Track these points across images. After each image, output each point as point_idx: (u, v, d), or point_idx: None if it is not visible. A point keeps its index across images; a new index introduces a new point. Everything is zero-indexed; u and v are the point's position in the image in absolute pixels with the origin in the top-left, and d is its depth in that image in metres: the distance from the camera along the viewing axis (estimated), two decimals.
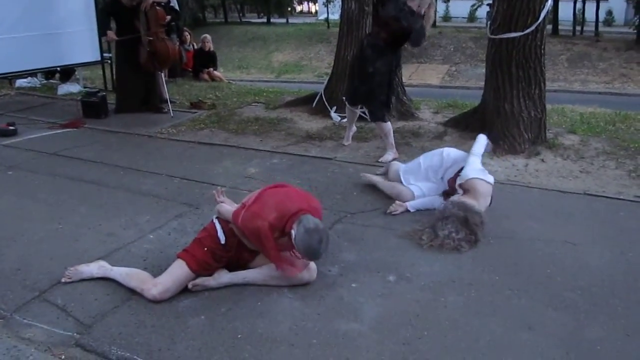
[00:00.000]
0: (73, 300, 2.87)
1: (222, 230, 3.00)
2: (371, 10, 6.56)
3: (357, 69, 5.22)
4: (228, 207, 3.09)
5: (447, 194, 3.98)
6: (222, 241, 2.98)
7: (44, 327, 2.65)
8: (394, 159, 5.11)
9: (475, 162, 3.84)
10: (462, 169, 3.85)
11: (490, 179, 3.78)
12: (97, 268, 3.11)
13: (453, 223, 3.46)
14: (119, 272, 3.06)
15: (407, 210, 3.97)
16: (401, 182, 4.23)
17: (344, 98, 5.56)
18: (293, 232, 2.74)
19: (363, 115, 5.48)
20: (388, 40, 4.98)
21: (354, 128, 5.78)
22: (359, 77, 5.20)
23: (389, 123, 5.29)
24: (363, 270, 3.19)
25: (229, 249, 3.00)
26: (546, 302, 2.87)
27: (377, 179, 4.46)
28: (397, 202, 4.02)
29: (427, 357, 2.44)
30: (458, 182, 3.79)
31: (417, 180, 4.20)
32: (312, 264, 3.03)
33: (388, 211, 3.97)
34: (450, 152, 4.18)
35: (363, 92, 5.19)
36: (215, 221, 3.07)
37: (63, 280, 3.04)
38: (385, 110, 5.24)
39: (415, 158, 4.41)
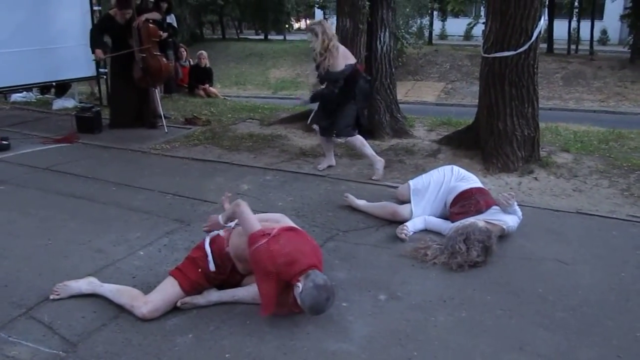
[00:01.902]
0: (60, 317, 2.84)
1: (212, 257, 2.96)
2: (365, 29, 6.59)
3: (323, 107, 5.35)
4: (252, 215, 2.95)
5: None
6: (212, 269, 2.95)
7: (30, 345, 2.62)
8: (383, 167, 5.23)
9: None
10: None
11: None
12: (86, 284, 3.08)
13: (475, 247, 3.40)
14: (109, 289, 3.02)
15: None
16: (409, 200, 4.19)
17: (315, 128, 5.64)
18: (300, 285, 2.66)
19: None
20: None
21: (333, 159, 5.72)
22: (326, 114, 5.34)
23: (357, 136, 5.29)
24: (354, 289, 3.17)
25: (222, 273, 2.98)
26: (537, 322, 2.85)
27: (361, 203, 4.38)
28: (400, 226, 3.92)
29: None
30: (500, 224, 3.75)
31: (423, 199, 4.15)
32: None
33: (400, 236, 3.84)
34: (460, 169, 4.21)
35: (327, 125, 5.37)
36: (207, 246, 3.00)
37: (51, 297, 3.01)
38: (350, 126, 5.25)
39: (425, 174, 4.38)
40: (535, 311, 2.95)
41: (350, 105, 5.19)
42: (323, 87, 5.23)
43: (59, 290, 3.04)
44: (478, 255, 3.40)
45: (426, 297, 3.09)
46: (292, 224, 3.15)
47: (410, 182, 4.29)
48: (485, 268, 3.42)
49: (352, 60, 5.19)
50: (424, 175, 4.33)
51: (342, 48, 5.17)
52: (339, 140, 5.53)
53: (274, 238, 2.75)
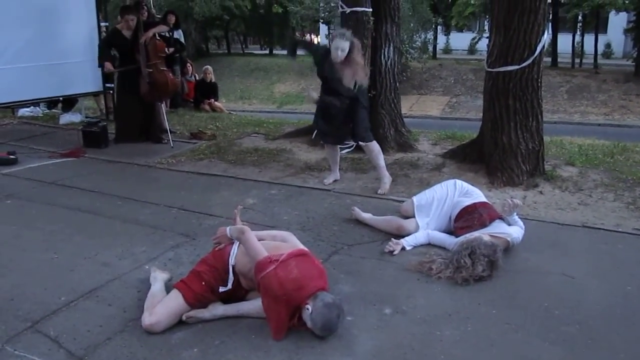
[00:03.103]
0: (65, 331, 2.85)
1: (232, 275, 2.99)
2: (370, 44, 6.63)
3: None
4: (257, 242, 2.98)
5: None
6: (230, 286, 2.98)
7: (35, 359, 2.62)
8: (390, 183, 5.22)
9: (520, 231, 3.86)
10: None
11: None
12: (157, 275, 3.29)
13: (480, 261, 3.40)
14: (153, 289, 3.13)
15: (404, 249, 3.89)
16: (414, 216, 4.19)
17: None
18: (309, 307, 2.70)
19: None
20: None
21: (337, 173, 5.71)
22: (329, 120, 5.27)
23: (375, 142, 5.28)
24: (359, 303, 3.17)
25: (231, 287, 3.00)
26: (543, 336, 2.84)
27: (368, 216, 4.39)
28: (393, 240, 3.93)
29: None
30: (504, 237, 3.76)
31: (427, 215, 4.16)
32: None
33: (386, 250, 3.86)
34: (463, 184, 4.22)
35: (328, 131, 5.32)
36: (231, 261, 3.02)
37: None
38: (369, 129, 5.25)
39: (429, 189, 4.39)
40: (541, 325, 2.94)
41: (362, 110, 5.16)
42: (332, 98, 5.07)
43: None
44: (483, 269, 3.40)
45: (431, 311, 3.08)
46: (299, 243, 3.18)
47: (414, 199, 4.29)
48: (491, 282, 3.41)
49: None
50: (427, 191, 4.33)
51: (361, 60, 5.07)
52: (361, 143, 5.32)
53: (282, 264, 2.78)
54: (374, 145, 5.30)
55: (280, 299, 2.71)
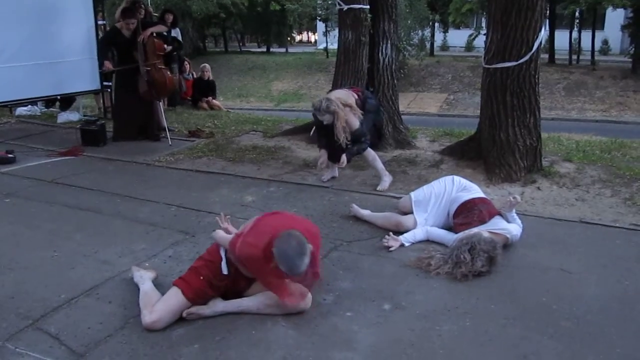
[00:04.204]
0: (66, 328, 2.87)
1: (225, 261, 3.00)
2: (367, 41, 6.65)
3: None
4: (225, 234, 3.09)
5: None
6: (225, 272, 2.98)
7: (37, 356, 2.64)
8: (390, 183, 5.25)
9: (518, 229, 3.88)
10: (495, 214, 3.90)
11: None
12: (139, 275, 3.26)
13: (480, 257, 3.42)
14: (144, 288, 3.11)
15: (402, 245, 3.90)
16: (412, 211, 4.20)
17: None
18: (274, 250, 2.68)
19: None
20: None
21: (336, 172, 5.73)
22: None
23: (368, 150, 5.30)
24: (358, 299, 3.18)
25: (226, 277, 3.00)
26: (542, 331, 2.86)
27: (366, 213, 4.41)
28: (391, 234, 3.95)
29: None
30: (504, 234, 3.78)
31: (425, 211, 4.17)
32: (307, 292, 3.02)
33: (384, 245, 3.88)
34: (461, 180, 4.24)
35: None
36: (222, 251, 3.05)
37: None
38: (360, 143, 5.24)
39: (427, 185, 4.41)
40: (540, 320, 2.96)
41: (367, 116, 5.25)
42: (353, 146, 5.15)
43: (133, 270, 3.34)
44: (483, 265, 3.41)
45: (430, 307, 3.10)
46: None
47: (412, 194, 4.31)
48: (489, 277, 3.43)
49: (351, 98, 5.19)
50: (425, 187, 4.35)
51: (346, 108, 5.08)
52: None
53: (249, 231, 2.85)
54: (368, 154, 5.33)
55: (260, 257, 2.72)
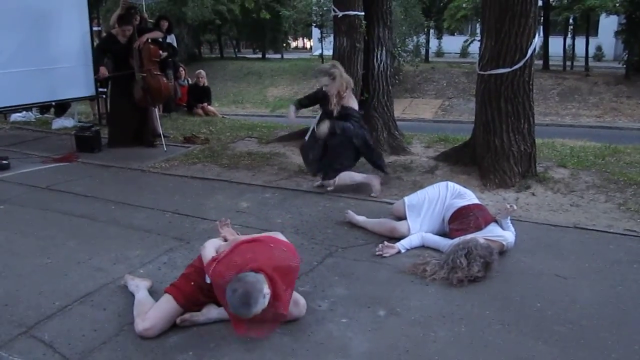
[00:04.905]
0: (60, 336, 2.85)
1: None
2: (362, 47, 6.67)
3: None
4: (209, 251, 3.04)
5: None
6: (207, 280, 2.96)
7: None
8: (380, 183, 5.26)
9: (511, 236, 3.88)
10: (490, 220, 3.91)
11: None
12: (135, 284, 3.25)
13: (476, 262, 3.41)
14: (138, 297, 3.10)
15: (399, 252, 3.88)
16: (405, 216, 4.20)
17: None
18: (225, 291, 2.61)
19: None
20: None
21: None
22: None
23: (340, 175, 5.30)
24: (353, 305, 3.18)
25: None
26: (536, 336, 2.86)
27: (361, 219, 4.40)
28: (386, 243, 3.93)
29: None
30: (499, 241, 3.78)
31: (419, 215, 4.17)
32: (302, 299, 3.02)
33: (377, 253, 3.86)
34: (455, 186, 4.23)
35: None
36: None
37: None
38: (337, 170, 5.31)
39: (420, 190, 4.43)
40: (534, 325, 2.96)
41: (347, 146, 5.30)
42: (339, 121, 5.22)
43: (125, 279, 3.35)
44: (479, 270, 3.42)
45: (425, 313, 3.10)
46: (280, 239, 3.11)
47: (405, 199, 4.32)
48: (484, 283, 3.43)
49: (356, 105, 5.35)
50: (419, 192, 4.36)
51: (346, 80, 5.27)
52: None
53: (223, 259, 2.79)
54: (340, 178, 5.28)
55: (224, 290, 2.64)
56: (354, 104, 5.34)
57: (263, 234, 3.11)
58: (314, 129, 5.44)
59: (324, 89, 5.27)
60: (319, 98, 5.43)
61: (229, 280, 2.61)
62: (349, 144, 5.28)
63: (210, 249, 3.07)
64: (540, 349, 2.75)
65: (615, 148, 6.99)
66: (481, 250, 3.46)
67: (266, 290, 2.58)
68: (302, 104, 5.59)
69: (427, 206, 4.16)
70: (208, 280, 2.94)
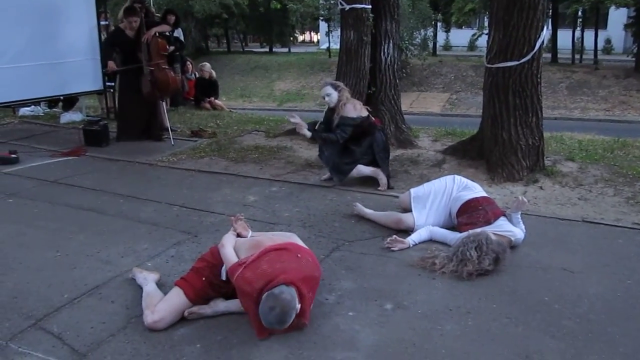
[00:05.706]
0: (69, 328, 2.87)
1: (225, 270, 2.99)
2: (370, 41, 6.65)
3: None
4: (230, 251, 3.03)
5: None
6: (223, 277, 2.98)
7: (39, 355, 2.64)
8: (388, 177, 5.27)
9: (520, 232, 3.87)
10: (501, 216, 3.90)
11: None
12: (143, 277, 3.27)
13: (488, 255, 3.41)
14: (147, 290, 3.12)
15: (409, 246, 3.87)
16: (410, 207, 4.20)
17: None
18: (260, 304, 2.67)
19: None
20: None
21: None
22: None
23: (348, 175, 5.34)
24: (360, 299, 3.18)
25: (229, 282, 3.00)
26: (544, 330, 2.86)
27: (369, 212, 4.41)
28: (395, 237, 3.91)
29: None
30: (508, 236, 3.77)
31: (424, 207, 4.16)
32: None
33: (386, 245, 3.87)
34: (462, 179, 4.23)
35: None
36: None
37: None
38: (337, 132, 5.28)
39: (427, 182, 4.43)
40: (542, 319, 2.96)
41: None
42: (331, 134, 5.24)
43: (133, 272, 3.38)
44: (489, 264, 3.40)
45: (432, 306, 3.10)
46: (297, 242, 3.16)
47: (411, 190, 4.32)
48: (492, 277, 3.43)
49: (364, 112, 5.25)
50: (425, 184, 4.37)
51: (353, 100, 5.32)
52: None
53: (250, 264, 2.80)
54: (351, 176, 5.33)
55: (252, 297, 2.71)
56: (352, 110, 5.22)
57: (286, 241, 3.07)
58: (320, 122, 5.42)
59: (326, 99, 5.27)
60: (328, 116, 5.38)
61: (259, 290, 2.67)
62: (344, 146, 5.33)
63: (229, 248, 3.05)
64: (547, 343, 2.74)
65: (624, 142, 6.95)
66: (495, 246, 3.45)
67: (297, 306, 2.66)
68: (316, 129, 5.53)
69: (433, 198, 4.15)
70: (223, 277, 2.96)
